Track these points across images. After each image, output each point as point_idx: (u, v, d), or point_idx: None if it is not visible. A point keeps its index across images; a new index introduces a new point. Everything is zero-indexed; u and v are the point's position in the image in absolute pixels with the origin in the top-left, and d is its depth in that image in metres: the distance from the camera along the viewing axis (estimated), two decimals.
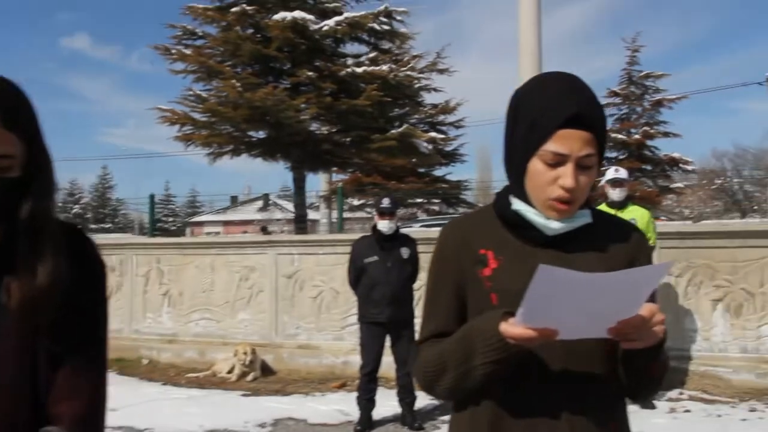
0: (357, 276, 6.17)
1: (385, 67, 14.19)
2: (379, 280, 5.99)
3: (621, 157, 26.19)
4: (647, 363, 1.43)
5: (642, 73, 27.88)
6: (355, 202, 25.87)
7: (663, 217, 25.51)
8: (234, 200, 57.49)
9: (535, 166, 1.44)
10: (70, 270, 1.26)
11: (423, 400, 6.43)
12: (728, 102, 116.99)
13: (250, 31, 14.63)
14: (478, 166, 47.74)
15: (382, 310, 5.98)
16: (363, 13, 14.57)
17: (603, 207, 6.70)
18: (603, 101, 25.35)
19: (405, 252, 6.11)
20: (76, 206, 62.01)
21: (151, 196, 12.45)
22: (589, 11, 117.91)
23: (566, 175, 1.41)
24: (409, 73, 15.03)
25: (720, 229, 8.01)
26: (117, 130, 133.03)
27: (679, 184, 28.89)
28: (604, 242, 1.53)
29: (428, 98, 18.73)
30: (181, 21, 14.96)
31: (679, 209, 38.53)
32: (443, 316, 1.58)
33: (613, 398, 1.51)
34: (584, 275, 1.23)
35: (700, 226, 10.94)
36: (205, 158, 15.56)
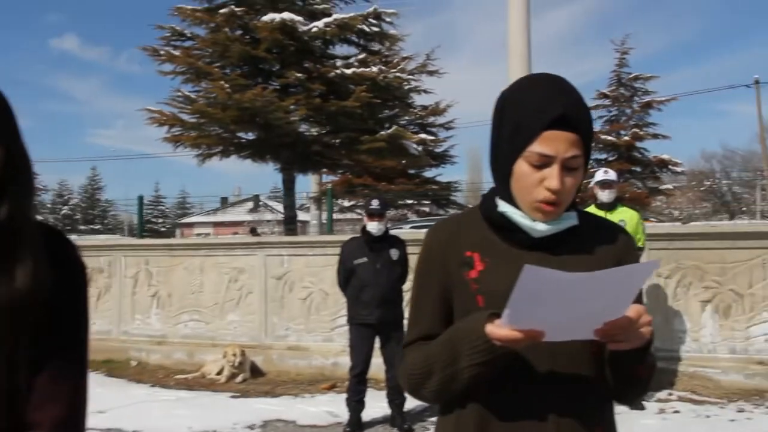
0: (346, 277, 6.16)
1: (374, 69, 14.20)
2: (368, 281, 5.98)
3: (610, 158, 26.30)
4: (634, 364, 1.43)
5: (631, 75, 27.99)
6: (346, 204, 25.88)
7: (652, 219, 25.63)
8: (224, 201, 57.39)
9: (521, 167, 1.43)
10: (49, 272, 1.24)
11: (412, 401, 6.42)
12: (717, 104, 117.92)
13: (239, 32, 14.61)
14: (468, 167, 47.86)
15: (371, 311, 5.97)
16: (352, 14, 14.57)
17: (592, 208, 6.71)
18: (592, 103, 25.59)
19: (394, 253, 6.10)
20: (65, 207, 61.74)
21: (140, 198, 12.40)
22: (577, 14, 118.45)
23: (552, 176, 1.40)
24: (398, 74, 15.05)
25: (709, 231, 8.04)
26: (106, 131, 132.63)
27: (669, 186, 29.01)
28: (591, 244, 1.52)
29: (418, 100, 18.76)
30: (169, 22, 14.95)
31: (668, 210, 38.73)
32: (429, 319, 1.57)
33: (600, 400, 1.50)
34: (570, 275, 1.22)
35: (689, 227, 10.99)
36: (194, 159, 15.53)
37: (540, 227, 1.46)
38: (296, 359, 8.44)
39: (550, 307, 1.25)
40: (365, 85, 13.79)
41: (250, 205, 53.28)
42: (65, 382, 1.29)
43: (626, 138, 26.47)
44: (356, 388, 6.09)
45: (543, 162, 1.41)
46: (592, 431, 1.46)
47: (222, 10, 14.16)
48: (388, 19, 14.97)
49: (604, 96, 28.17)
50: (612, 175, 6.80)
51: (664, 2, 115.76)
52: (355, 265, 6.06)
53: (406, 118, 20.00)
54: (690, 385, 7.01)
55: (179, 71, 14.62)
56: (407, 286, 6.22)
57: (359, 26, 14.56)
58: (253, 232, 25.34)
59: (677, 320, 7.22)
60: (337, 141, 14.99)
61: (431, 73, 16.99)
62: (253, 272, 8.79)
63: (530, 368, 1.44)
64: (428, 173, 26.95)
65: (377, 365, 6.29)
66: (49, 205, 59.88)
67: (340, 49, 15.61)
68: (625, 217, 6.55)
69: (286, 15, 13.63)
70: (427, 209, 27.10)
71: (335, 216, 18.50)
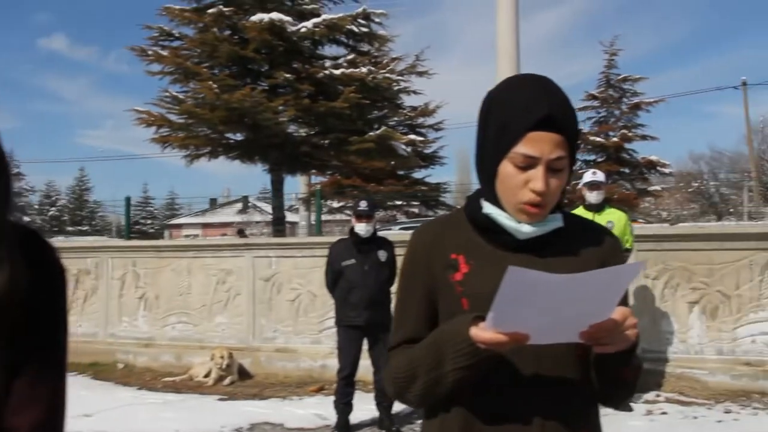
0: (334, 279, 6.15)
1: (363, 70, 14.17)
2: (356, 283, 5.97)
3: (599, 159, 26.41)
4: (620, 367, 1.41)
5: (620, 77, 28.12)
6: (335, 205, 25.86)
7: (640, 220, 25.67)
8: (213, 202, 57.27)
9: (506, 168, 1.42)
10: (26, 273, 1.22)
11: (400, 404, 6.40)
12: (704, 106, 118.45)
13: (228, 32, 14.55)
14: (458, 168, 47.85)
15: (359, 313, 5.96)
16: (341, 15, 14.53)
17: (580, 210, 6.73)
18: (581, 104, 25.59)
19: (382, 255, 6.09)
20: (53, 209, 61.42)
21: (127, 199, 12.33)
22: (566, 16, 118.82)
23: (537, 178, 1.39)
24: (387, 75, 15.04)
25: (696, 232, 8.07)
26: (95, 132, 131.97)
27: (657, 187, 29.11)
28: (576, 246, 1.51)
29: (408, 101, 18.73)
30: (157, 22, 14.87)
31: (656, 212, 38.85)
32: (414, 322, 1.55)
33: (585, 403, 1.49)
34: (554, 276, 1.20)
35: (677, 228, 11.01)
36: (183, 160, 15.46)
37: (525, 229, 1.45)
38: (284, 361, 8.41)
39: (535, 310, 1.24)
40: (354, 86, 13.76)
41: (239, 206, 53.18)
42: (44, 385, 1.27)
43: (615, 139, 26.59)
44: (344, 391, 6.07)
45: (528, 163, 1.39)
46: None
47: (210, 10, 14.10)
48: (377, 20, 14.94)
49: (593, 97, 28.28)
50: (600, 176, 6.82)
51: (653, 4, 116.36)
52: (343, 266, 6.05)
53: (396, 119, 20.00)
54: (677, 387, 7.03)
55: (167, 71, 14.55)
56: (395, 287, 6.21)
57: (348, 27, 14.53)
58: (241, 233, 25.28)
59: (665, 321, 7.24)
60: (326, 142, 14.96)
61: (420, 73, 16.96)
62: (241, 274, 8.75)
63: (515, 371, 1.42)
64: (417, 174, 26.96)
65: (365, 367, 6.27)
66: (36, 206, 59.53)
67: (329, 50, 15.59)
68: (613, 218, 6.57)
69: (275, 15, 13.58)
70: (416, 210, 27.09)
71: (324, 217, 18.49)
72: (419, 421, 6.22)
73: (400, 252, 6.16)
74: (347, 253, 6.08)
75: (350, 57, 14.92)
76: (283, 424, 6.45)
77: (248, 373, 8.42)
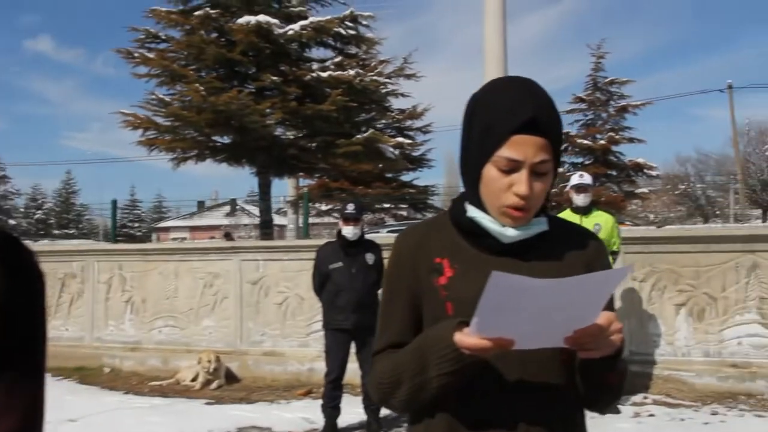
0: (321, 282, 6.13)
1: (351, 72, 14.15)
2: (343, 286, 5.95)
3: (586, 162, 26.47)
4: (605, 372, 1.40)
5: (607, 80, 28.19)
6: (323, 207, 25.81)
7: (628, 222, 25.77)
8: (201, 205, 57.12)
9: (490, 172, 1.41)
10: (4, 280, 1.20)
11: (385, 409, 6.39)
12: (691, 109, 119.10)
13: (214, 34, 14.49)
14: (446, 171, 47.66)
15: (347, 316, 5.95)
16: (328, 17, 14.50)
17: (567, 212, 6.75)
18: (569, 107, 25.61)
19: (370, 258, 6.08)
20: (39, 212, 61.03)
21: (114, 202, 12.28)
22: (553, 19, 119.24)
23: (520, 181, 1.38)
24: (375, 78, 15.03)
25: (683, 234, 8.09)
26: (81, 134, 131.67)
27: (644, 189, 29.20)
28: (561, 250, 1.50)
29: (395, 103, 18.74)
30: (144, 24, 14.80)
31: (643, 214, 39.01)
32: (398, 326, 1.54)
33: (570, 408, 1.48)
34: (539, 281, 1.19)
35: (663, 231, 11.06)
36: (170, 163, 15.39)
37: (509, 233, 1.44)
38: (272, 365, 8.37)
39: (519, 315, 1.22)
40: (342, 89, 13.74)
41: (227, 209, 53.10)
42: (20, 393, 1.25)
43: (602, 142, 26.65)
44: (332, 394, 6.05)
45: (511, 167, 1.38)
46: None
47: (197, 13, 14.04)
48: (364, 23, 14.93)
49: (580, 100, 28.34)
50: (587, 179, 6.83)
51: (640, 8, 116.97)
52: (330, 269, 6.03)
53: (383, 121, 19.95)
54: (665, 389, 7.05)
55: (154, 74, 14.47)
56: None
57: (336, 29, 14.50)
58: (228, 236, 25.22)
59: (652, 324, 7.26)
60: (314, 145, 14.92)
61: (408, 76, 16.98)
62: (228, 277, 8.72)
63: (500, 377, 1.41)
64: (405, 177, 26.88)
65: (353, 370, 6.26)
66: (22, 210, 59.14)
67: (317, 52, 15.57)
68: (600, 220, 6.58)
69: (262, 18, 13.54)
70: (404, 213, 27.06)
71: (312, 220, 18.45)
72: (407, 425, 6.23)
73: (387, 255, 6.13)
74: (335, 256, 6.06)
75: (338, 59, 14.91)
76: (271, 428, 6.42)
77: (235, 376, 8.39)
